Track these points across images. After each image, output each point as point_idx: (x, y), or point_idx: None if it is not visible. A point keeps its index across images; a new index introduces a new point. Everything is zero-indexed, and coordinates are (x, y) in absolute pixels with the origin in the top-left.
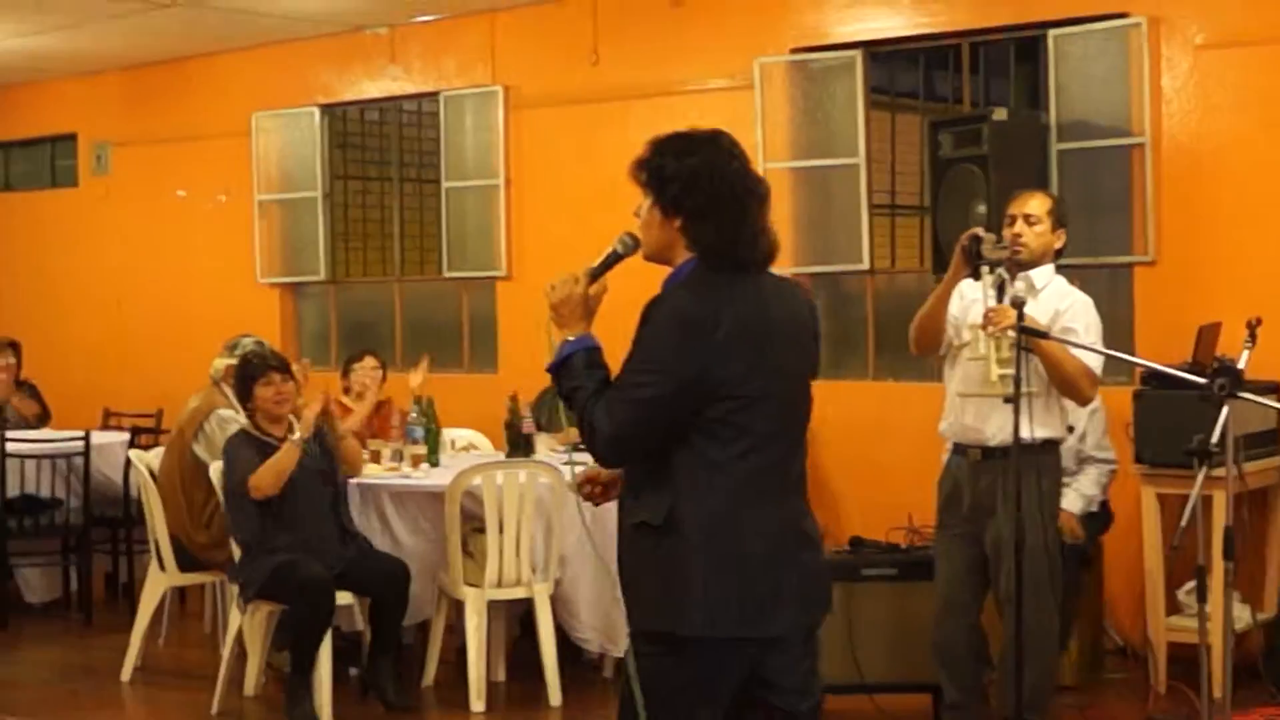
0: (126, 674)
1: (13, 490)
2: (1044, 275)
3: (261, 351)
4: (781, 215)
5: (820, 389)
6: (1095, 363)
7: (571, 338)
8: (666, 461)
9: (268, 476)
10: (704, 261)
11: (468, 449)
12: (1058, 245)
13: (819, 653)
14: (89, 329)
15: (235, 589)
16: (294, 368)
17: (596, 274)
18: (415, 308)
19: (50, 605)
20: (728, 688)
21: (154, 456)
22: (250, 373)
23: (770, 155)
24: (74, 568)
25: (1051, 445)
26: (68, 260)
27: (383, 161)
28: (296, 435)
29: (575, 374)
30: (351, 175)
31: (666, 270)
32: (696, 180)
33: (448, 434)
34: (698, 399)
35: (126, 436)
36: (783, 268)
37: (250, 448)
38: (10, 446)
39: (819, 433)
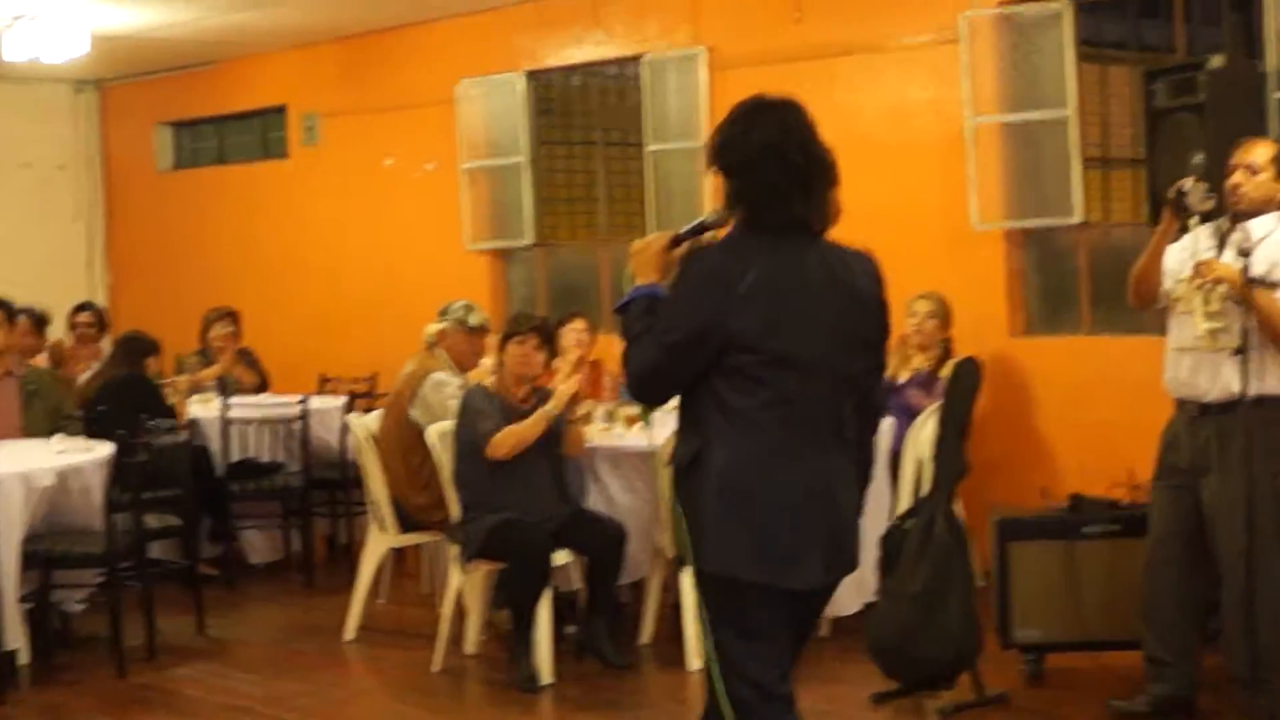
0: (350, 633)
1: (235, 455)
2: (1264, 225)
3: (530, 313)
4: (990, 169)
5: (1033, 346)
6: None
7: (642, 284)
8: (697, 407)
9: (508, 441)
10: (741, 223)
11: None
12: None
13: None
14: (303, 297)
15: (454, 549)
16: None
17: (680, 237)
18: (622, 271)
19: (273, 566)
20: (767, 628)
21: (371, 420)
22: (512, 328)
23: (979, 109)
24: (295, 530)
25: (1272, 401)
26: (281, 230)
27: (586, 126)
28: (549, 407)
29: (633, 316)
30: (555, 140)
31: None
32: (731, 145)
33: None
34: (717, 348)
35: (343, 401)
36: (993, 223)
37: (490, 404)
38: (232, 413)
39: (1033, 390)
